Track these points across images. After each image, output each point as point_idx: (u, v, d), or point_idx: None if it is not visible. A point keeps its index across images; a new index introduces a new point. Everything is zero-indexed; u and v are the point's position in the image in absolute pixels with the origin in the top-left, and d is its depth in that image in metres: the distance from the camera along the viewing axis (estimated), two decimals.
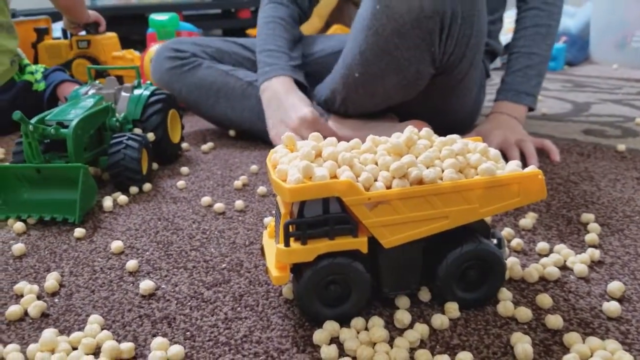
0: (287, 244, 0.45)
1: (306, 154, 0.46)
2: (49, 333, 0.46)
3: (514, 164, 0.49)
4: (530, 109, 0.97)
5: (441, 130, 0.83)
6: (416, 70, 0.83)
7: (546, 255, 0.59)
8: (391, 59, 0.81)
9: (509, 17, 1.47)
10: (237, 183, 0.83)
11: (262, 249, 0.52)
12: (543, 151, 0.93)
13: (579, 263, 0.56)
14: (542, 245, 0.60)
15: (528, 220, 0.66)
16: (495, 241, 0.52)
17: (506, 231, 0.64)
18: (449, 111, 0.96)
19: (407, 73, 0.83)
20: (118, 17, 2.47)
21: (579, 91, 1.52)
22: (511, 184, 0.47)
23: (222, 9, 2.95)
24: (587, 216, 0.67)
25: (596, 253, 0.58)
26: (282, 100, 0.95)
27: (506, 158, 0.88)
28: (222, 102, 1.06)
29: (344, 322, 0.47)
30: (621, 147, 0.95)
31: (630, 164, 0.88)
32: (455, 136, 0.51)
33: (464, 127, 1.01)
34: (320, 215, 0.45)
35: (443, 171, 0.47)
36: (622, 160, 0.91)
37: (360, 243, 0.46)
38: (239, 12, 2.91)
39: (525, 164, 0.86)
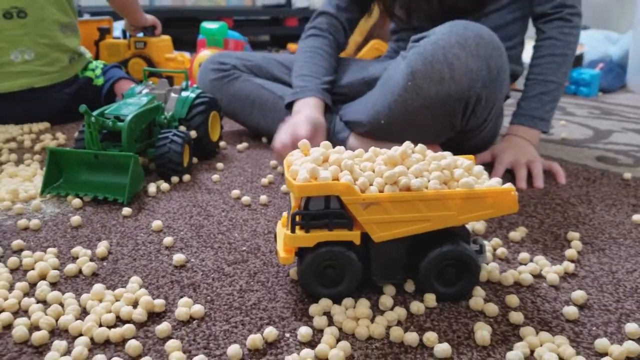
0: (293, 231, 0.54)
1: (315, 159, 0.56)
2: (98, 286, 0.57)
3: (494, 181, 0.57)
4: (544, 132, 1.03)
5: (460, 152, 0.89)
6: (437, 132, 0.95)
7: (525, 264, 0.67)
8: (416, 121, 0.92)
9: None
10: (264, 180, 0.94)
11: (275, 235, 0.62)
12: (551, 173, 1.00)
13: (552, 273, 0.63)
14: (523, 255, 0.68)
15: (517, 233, 0.74)
16: (477, 247, 0.61)
17: (494, 241, 0.71)
18: (470, 145, 1.03)
19: (429, 133, 0.94)
20: (172, 19, 2.64)
21: (603, 119, 1.56)
22: (486, 197, 0.55)
23: (271, 16, 3.10)
24: (573, 234, 0.74)
25: (571, 266, 0.65)
26: (298, 115, 1.01)
27: (515, 175, 0.95)
28: (256, 113, 1.17)
29: (337, 301, 0.56)
30: (627, 175, 1.01)
31: (631, 192, 0.94)
32: (446, 153, 0.60)
33: (482, 150, 1.08)
34: (322, 210, 0.54)
35: (429, 181, 0.55)
36: (625, 187, 0.96)
37: (354, 236, 0.55)
38: (286, 20, 3.05)
39: (532, 184, 0.94)
